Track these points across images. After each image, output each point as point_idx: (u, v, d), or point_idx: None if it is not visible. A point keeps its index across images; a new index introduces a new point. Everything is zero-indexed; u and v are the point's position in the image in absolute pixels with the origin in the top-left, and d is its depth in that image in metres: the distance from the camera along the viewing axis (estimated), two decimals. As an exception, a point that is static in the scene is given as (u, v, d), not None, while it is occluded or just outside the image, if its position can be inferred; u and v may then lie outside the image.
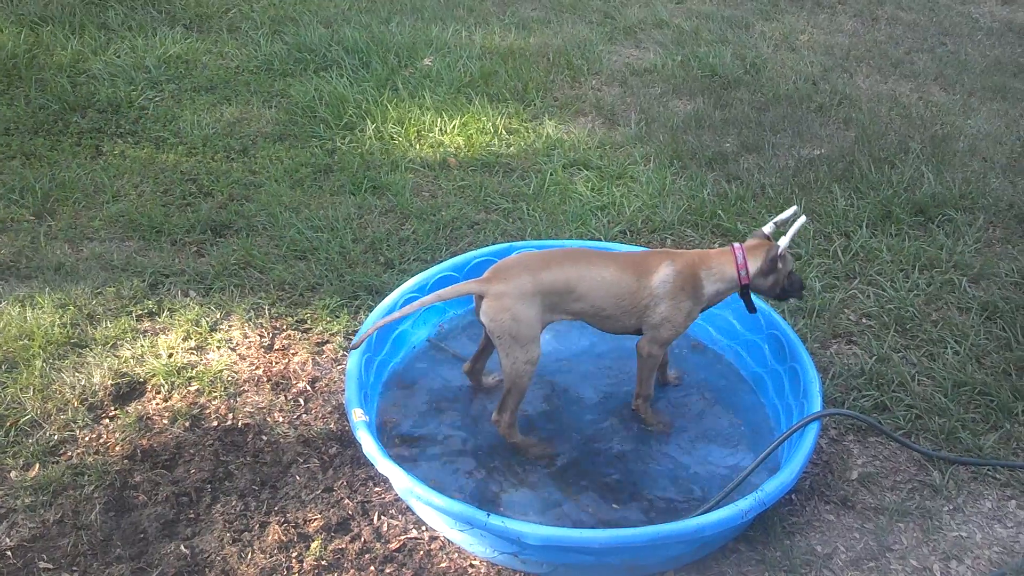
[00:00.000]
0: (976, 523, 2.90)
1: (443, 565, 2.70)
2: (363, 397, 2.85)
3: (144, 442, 3.02)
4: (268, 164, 4.67)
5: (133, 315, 3.58)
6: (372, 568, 2.66)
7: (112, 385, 3.22)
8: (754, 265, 2.93)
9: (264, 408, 3.20)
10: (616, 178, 4.68)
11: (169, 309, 3.62)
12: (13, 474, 2.89)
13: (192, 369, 3.33)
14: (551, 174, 4.65)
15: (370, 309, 3.52)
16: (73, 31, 5.80)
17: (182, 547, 2.69)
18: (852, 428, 3.23)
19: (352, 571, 2.65)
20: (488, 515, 2.43)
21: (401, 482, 2.55)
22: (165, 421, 3.11)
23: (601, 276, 2.88)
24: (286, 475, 2.95)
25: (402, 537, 2.77)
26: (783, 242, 2.91)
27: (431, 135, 4.99)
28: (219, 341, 3.48)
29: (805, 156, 4.95)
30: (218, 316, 3.60)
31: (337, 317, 3.62)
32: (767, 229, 3.03)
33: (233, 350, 3.45)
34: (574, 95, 5.58)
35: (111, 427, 3.08)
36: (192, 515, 2.80)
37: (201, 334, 3.50)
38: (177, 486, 2.87)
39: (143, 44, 5.72)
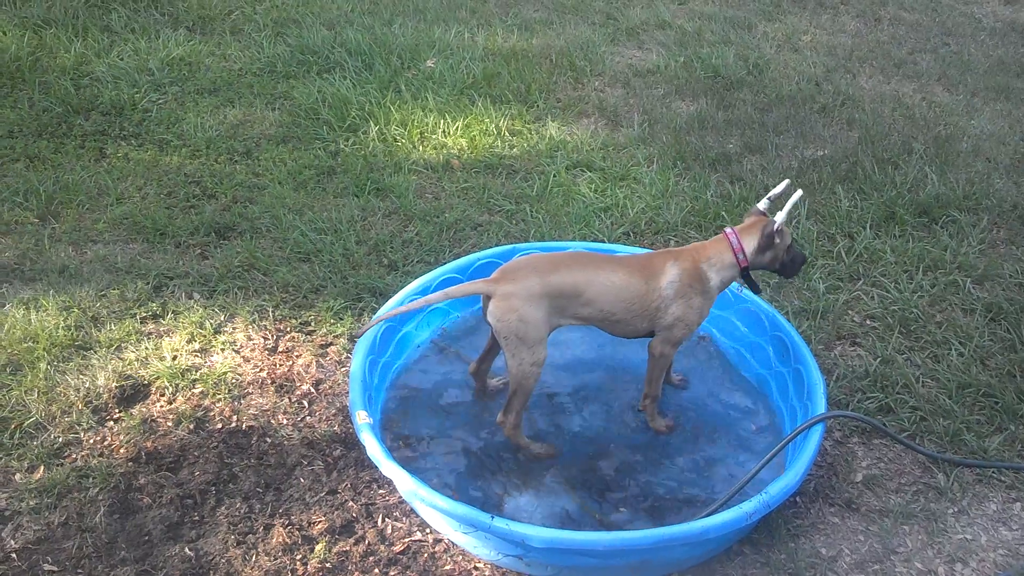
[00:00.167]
0: (981, 525, 2.90)
1: (447, 568, 2.70)
2: (367, 399, 2.84)
3: (148, 444, 3.02)
4: (272, 166, 4.67)
5: (137, 317, 3.58)
6: (376, 571, 2.66)
7: (116, 387, 3.22)
8: (750, 244, 2.92)
9: (268, 410, 3.20)
10: (619, 179, 4.68)
11: (173, 311, 3.62)
12: (18, 476, 2.90)
13: (196, 371, 3.33)
14: (554, 176, 4.65)
15: (374, 311, 3.53)
16: (76, 34, 5.80)
17: (186, 549, 2.69)
18: (856, 430, 3.22)
19: (356, 574, 2.65)
20: (492, 517, 2.43)
21: (405, 484, 2.55)
22: (169, 423, 3.11)
23: (610, 281, 2.86)
24: (290, 477, 2.95)
25: (406, 539, 2.77)
26: (779, 216, 2.89)
27: (434, 137, 4.99)
28: (223, 343, 3.48)
29: (808, 157, 4.95)
30: (222, 318, 3.61)
31: (341, 319, 3.62)
32: (762, 205, 3.01)
33: (237, 352, 3.45)
34: (577, 96, 5.58)
35: (115, 429, 3.08)
36: (196, 517, 2.80)
37: (205, 336, 3.50)
38: (181, 488, 2.88)
39: (146, 47, 5.73)
